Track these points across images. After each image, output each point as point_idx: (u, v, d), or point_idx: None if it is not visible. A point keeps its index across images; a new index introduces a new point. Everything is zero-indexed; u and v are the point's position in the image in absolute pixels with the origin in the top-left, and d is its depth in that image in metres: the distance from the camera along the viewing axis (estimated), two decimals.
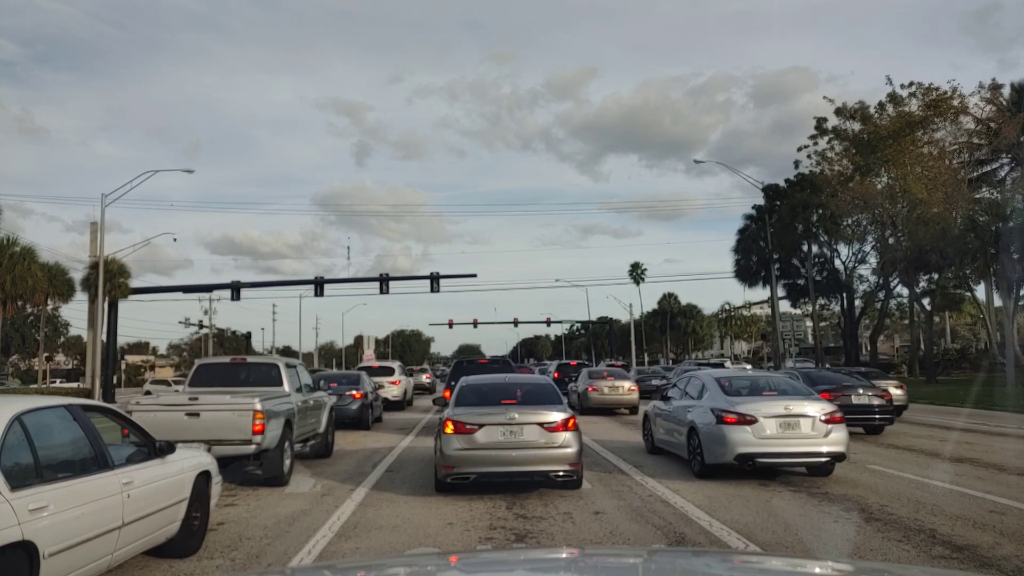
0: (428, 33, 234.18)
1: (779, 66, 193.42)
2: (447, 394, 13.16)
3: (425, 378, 41.00)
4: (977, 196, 36.73)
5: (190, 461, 6.52)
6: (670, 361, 76.19)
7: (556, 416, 8.98)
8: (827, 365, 38.80)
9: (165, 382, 50.71)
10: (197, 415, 9.33)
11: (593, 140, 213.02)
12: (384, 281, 44.13)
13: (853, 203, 38.07)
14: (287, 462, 10.33)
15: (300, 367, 13.11)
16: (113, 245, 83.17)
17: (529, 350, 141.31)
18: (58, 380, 64.96)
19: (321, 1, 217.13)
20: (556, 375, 29.13)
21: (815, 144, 43.40)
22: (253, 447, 9.33)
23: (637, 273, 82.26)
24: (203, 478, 6.66)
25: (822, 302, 49.05)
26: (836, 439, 9.78)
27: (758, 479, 10.00)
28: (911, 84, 39.19)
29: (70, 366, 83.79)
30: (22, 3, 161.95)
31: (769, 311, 48.95)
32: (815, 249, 46.14)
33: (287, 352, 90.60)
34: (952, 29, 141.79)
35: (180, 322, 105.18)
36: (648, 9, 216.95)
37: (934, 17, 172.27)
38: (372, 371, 24.92)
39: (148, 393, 39.60)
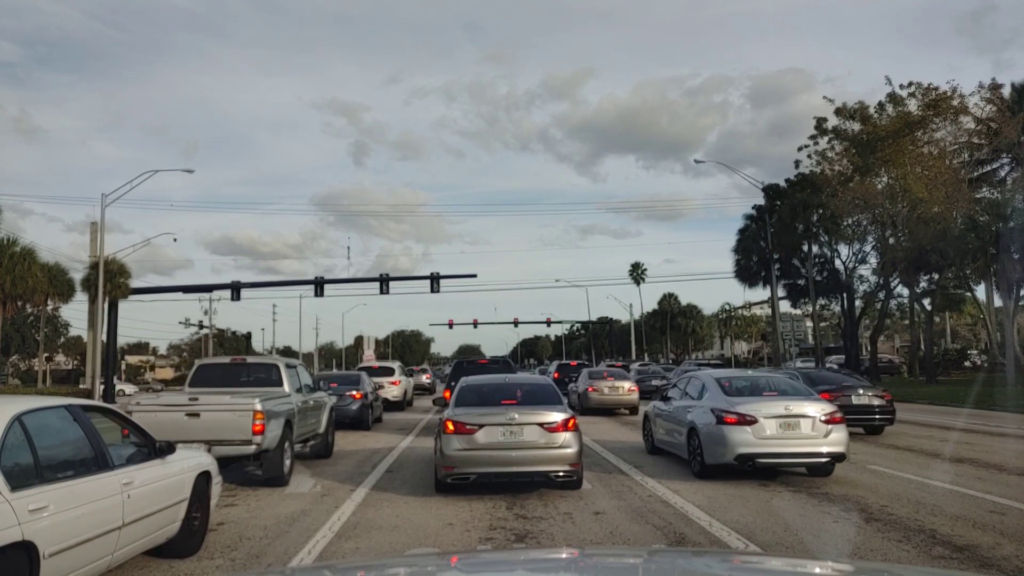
0: (425, 34, 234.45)
1: (776, 67, 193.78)
2: (447, 394, 13.16)
3: (425, 378, 41.00)
4: (977, 196, 36.69)
5: (190, 461, 6.52)
6: (670, 361, 76.11)
7: (556, 416, 8.98)
8: (832, 366, 38.78)
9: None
10: (197, 415, 9.33)
11: (591, 141, 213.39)
12: (384, 281, 44.10)
13: (853, 203, 38.02)
14: (287, 462, 10.33)
15: (300, 367, 13.11)
16: (113, 245, 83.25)
17: (529, 350, 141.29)
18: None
19: (318, 3, 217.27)
20: (556, 375, 29.12)
21: (815, 144, 43.37)
22: (253, 447, 9.33)
23: (637, 273, 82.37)
24: (203, 478, 6.66)
25: (822, 302, 48.98)
26: (836, 439, 9.78)
27: (758, 479, 10.00)
28: (910, 84, 39.14)
29: (70, 366, 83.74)
30: (23, 4, 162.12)
31: (769, 311, 48.94)
32: (815, 249, 46.09)
33: (287, 352, 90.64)
34: (947, 30, 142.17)
35: (180, 322, 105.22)
36: (645, 10, 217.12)
37: (930, 18, 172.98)
38: (372, 371, 24.92)
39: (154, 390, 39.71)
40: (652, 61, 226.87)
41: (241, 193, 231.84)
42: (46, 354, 69.31)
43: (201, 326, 72.06)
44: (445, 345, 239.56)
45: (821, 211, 42.62)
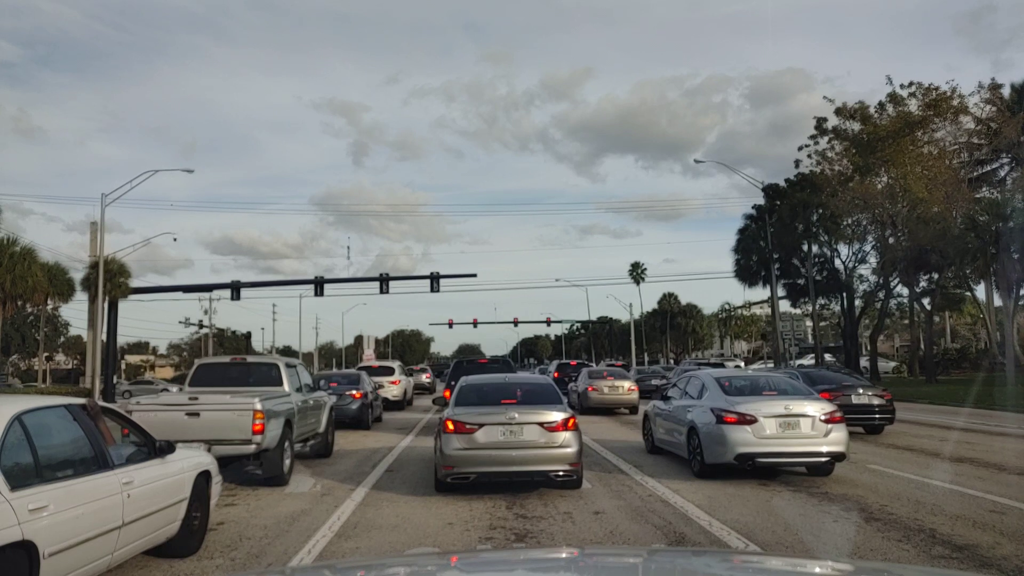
0: (424, 34, 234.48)
1: (775, 67, 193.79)
2: (447, 394, 13.16)
3: (425, 378, 41.03)
4: (977, 196, 36.69)
5: (190, 461, 6.52)
6: (670, 361, 76.12)
7: (556, 416, 8.98)
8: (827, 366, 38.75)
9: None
10: (197, 415, 9.33)
11: (590, 141, 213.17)
12: (384, 281, 44.07)
13: (853, 203, 38.05)
14: (287, 462, 10.33)
15: (300, 367, 13.11)
16: (113, 245, 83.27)
17: (529, 350, 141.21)
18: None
19: (318, 3, 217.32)
20: (556, 375, 29.13)
21: (815, 144, 43.41)
22: (253, 447, 9.33)
23: (637, 273, 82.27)
24: (203, 478, 6.66)
25: (822, 302, 49.00)
26: (836, 439, 9.78)
27: (758, 479, 10.00)
28: (911, 84, 39.18)
29: (70, 366, 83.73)
30: (22, 5, 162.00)
31: (769, 311, 48.95)
32: (815, 249, 46.09)
33: (287, 352, 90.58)
34: (946, 31, 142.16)
35: (180, 322, 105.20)
36: (644, 10, 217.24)
37: (928, 19, 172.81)
38: (372, 371, 24.92)
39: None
40: (651, 61, 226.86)
41: (241, 193, 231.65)
42: (46, 354, 69.31)
43: (201, 326, 72.09)
44: (445, 345, 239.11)
45: (821, 211, 42.64)
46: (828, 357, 50.05)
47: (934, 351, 43.04)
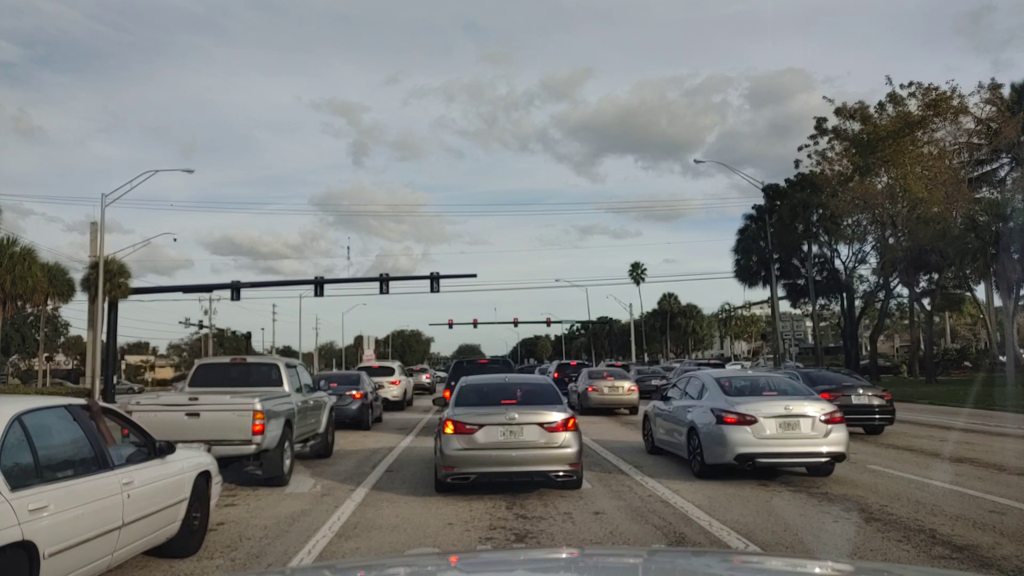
0: (424, 34, 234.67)
1: (775, 67, 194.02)
2: (447, 394, 13.16)
3: (425, 378, 41.03)
4: (977, 196, 36.71)
5: (190, 461, 6.52)
6: (670, 361, 76.08)
7: (556, 416, 8.98)
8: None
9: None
10: (197, 415, 9.33)
11: (590, 141, 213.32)
12: (384, 281, 44.07)
13: (853, 203, 38.08)
14: (287, 462, 10.33)
15: (300, 367, 13.11)
16: (113, 245, 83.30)
17: (529, 350, 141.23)
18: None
19: (318, 3, 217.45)
20: (556, 375, 29.11)
21: (815, 144, 43.44)
22: (253, 447, 9.33)
23: (637, 273, 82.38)
24: (203, 478, 6.66)
25: (822, 302, 49.05)
26: (836, 439, 9.78)
27: (758, 479, 10.00)
28: (911, 84, 39.22)
29: (70, 366, 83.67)
30: (23, 4, 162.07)
31: (769, 311, 48.96)
32: (815, 249, 46.17)
33: (287, 352, 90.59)
34: (946, 31, 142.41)
35: (180, 322, 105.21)
36: (644, 10, 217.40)
37: (928, 19, 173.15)
38: (372, 371, 24.92)
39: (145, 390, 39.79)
40: (651, 61, 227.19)
41: (241, 193, 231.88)
42: (46, 354, 69.28)
43: (201, 326, 72.17)
44: (445, 345, 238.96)
45: (821, 211, 42.69)
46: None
47: (934, 351, 43.03)
